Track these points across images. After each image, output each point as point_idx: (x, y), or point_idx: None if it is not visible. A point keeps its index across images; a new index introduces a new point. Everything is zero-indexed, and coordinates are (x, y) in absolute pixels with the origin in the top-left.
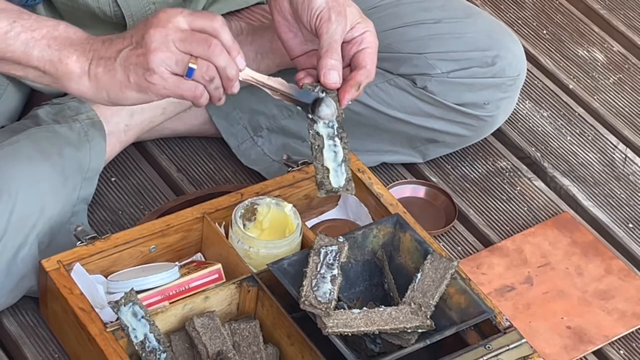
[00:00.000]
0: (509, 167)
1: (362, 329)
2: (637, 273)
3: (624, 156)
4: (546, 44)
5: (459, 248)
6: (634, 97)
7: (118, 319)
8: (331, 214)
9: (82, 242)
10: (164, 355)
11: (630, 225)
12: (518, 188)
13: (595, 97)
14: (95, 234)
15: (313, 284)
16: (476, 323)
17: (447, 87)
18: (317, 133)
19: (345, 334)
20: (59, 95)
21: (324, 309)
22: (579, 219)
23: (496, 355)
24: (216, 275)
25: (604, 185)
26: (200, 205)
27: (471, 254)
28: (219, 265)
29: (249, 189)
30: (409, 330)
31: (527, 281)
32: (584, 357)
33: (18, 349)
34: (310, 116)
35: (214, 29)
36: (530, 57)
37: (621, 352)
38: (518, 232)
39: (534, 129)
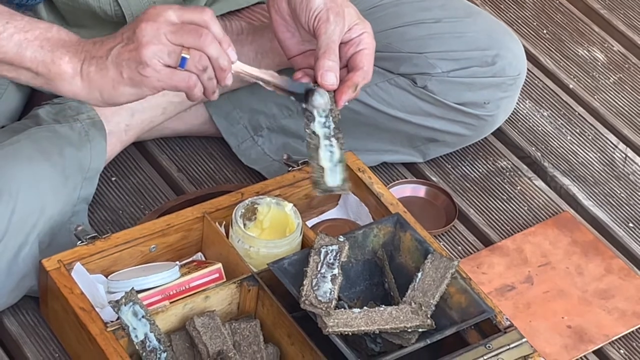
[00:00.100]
0: (509, 166)
1: (363, 328)
2: (637, 272)
3: (624, 156)
4: (546, 44)
5: (460, 247)
6: (634, 96)
7: (118, 318)
8: (331, 214)
9: (82, 242)
10: (164, 355)
11: (631, 224)
12: (518, 187)
13: (595, 97)
14: (96, 234)
15: (313, 284)
16: (476, 322)
17: (448, 87)
18: (314, 132)
19: (346, 333)
20: (60, 95)
21: (324, 309)
22: (579, 218)
23: (496, 355)
24: (216, 275)
25: (604, 185)
26: (200, 205)
27: (471, 253)
28: (220, 265)
29: (249, 189)
30: (410, 330)
31: (527, 280)
32: (585, 356)
33: (19, 348)
34: (304, 106)
35: (204, 21)
36: (530, 57)
37: (621, 351)
38: (518, 231)
39: (534, 128)
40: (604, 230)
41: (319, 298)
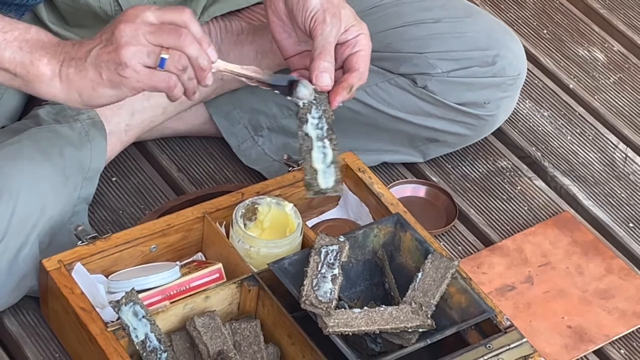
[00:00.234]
0: (509, 166)
1: (363, 328)
2: (637, 272)
3: (624, 156)
4: (546, 44)
5: (460, 247)
6: (634, 96)
7: (119, 318)
8: (332, 214)
9: (82, 242)
10: (164, 355)
11: (631, 224)
12: (518, 187)
13: (595, 97)
14: (96, 234)
15: (314, 284)
16: (477, 322)
17: (448, 87)
18: (306, 134)
19: (346, 333)
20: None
21: (324, 309)
22: (580, 218)
23: (497, 355)
24: (217, 275)
25: (605, 185)
26: (200, 205)
27: (472, 253)
28: (220, 265)
29: (249, 189)
30: (410, 330)
31: (527, 280)
32: (585, 356)
33: (19, 348)
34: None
35: (183, 21)
36: (530, 57)
37: (622, 351)
38: (518, 231)
39: (535, 128)
40: (604, 230)
41: (320, 298)
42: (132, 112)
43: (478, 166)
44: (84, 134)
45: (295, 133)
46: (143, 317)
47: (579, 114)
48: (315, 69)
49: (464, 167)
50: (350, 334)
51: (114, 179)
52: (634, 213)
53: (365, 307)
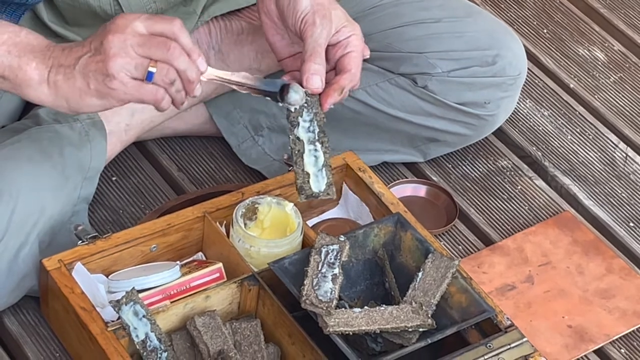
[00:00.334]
0: (509, 166)
1: (364, 328)
2: (638, 272)
3: (624, 155)
4: (547, 43)
5: (460, 247)
6: (634, 96)
7: (119, 318)
8: (332, 213)
9: (83, 242)
10: (165, 355)
11: (631, 224)
12: (519, 187)
13: (595, 96)
14: (96, 233)
15: (314, 283)
16: (477, 322)
17: (448, 87)
18: (298, 138)
19: (347, 333)
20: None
21: (325, 308)
22: (580, 218)
23: (497, 354)
24: (217, 275)
25: (605, 184)
26: (201, 205)
27: (472, 253)
28: (220, 265)
29: (249, 188)
30: (410, 329)
31: (528, 280)
32: (585, 356)
33: (19, 348)
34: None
35: (173, 32)
36: (530, 56)
37: (622, 350)
38: (519, 231)
39: (535, 128)
40: (604, 230)
41: (320, 297)
42: (132, 112)
43: (478, 166)
44: (84, 134)
45: None
46: (143, 316)
47: (580, 113)
48: (306, 71)
49: (464, 167)
50: (351, 333)
51: (114, 178)
52: (634, 212)
53: (366, 307)
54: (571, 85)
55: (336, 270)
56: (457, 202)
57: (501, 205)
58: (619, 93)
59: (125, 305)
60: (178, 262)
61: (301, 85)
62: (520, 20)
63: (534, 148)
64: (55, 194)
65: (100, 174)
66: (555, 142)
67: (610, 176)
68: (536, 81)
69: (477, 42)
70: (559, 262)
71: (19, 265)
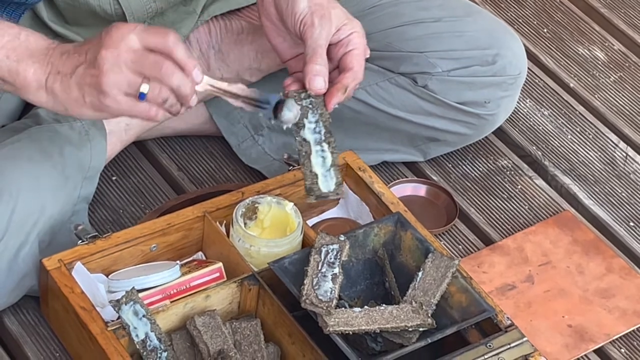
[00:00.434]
0: (509, 165)
1: (363, 327)
2: (638, 271)
3: (624, 155)
4: (547, 43)
5: (460, 247)
6: (634, 95)
7: (119, 317)
8: (332, 213)
9: (83, 241)
10: (165, 354)
11: (631, 223)
12: (519, 187)
13: (596, 96)
14: (96, 233)
15: (314, 283)
16: (477, 322)
17: (448, 86)
18: (304, 139)
19: (347, 332)
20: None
21: (325, 308)
22: (580, 217)
23: (497, 354)
24: (217, 274)
25: (605, 184)
26: (201, 204)
27: (472, 252)
28: (220, 264)
29: (249, 188)
30: (410, 329)
31: (528, 280)
32: (585, 355)
33: (19, 347)
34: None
35: (168, 47)
36: (530, 56)
37: (622, 350)
38: (519, 230)
39: (535, 127)
40: (604, 230)
41: (320, 297)
42: None
43: (478, 165)
44: (84, 133)
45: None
46: (143, 316)
47: (580, 112)
48: (308, 73)
49: (464, 166)
50: (351, 333)
51: (114, 178)
52: (634, 212)
53: (366, 306)
54: (571, 85)
55: (336, 270)
56: (457, 202)
57: (501, 205)
58: (619, 92)
59: (125, 304)
60: (178, 261)
61: (304, 86)
62: (520, 20)
63: (534, 147)
64: (55, 193)
65: (100, 173)
66: (555, 142)
67: (611, 176)
68: (536, 81)
69: (477, 42)
70: (559, 262)
71: (19, 265)
